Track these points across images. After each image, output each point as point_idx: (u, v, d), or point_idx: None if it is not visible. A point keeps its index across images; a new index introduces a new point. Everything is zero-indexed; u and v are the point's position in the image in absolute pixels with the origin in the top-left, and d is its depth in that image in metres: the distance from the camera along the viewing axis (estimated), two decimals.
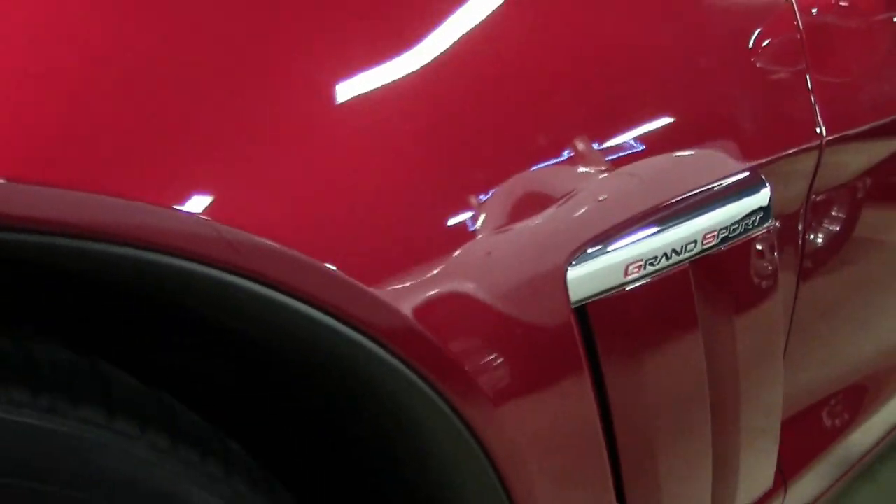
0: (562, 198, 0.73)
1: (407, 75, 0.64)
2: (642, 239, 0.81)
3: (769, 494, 1.17)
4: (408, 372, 0.60)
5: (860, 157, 1.07)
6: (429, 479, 0.71)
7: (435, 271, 0.62)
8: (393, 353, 0.59)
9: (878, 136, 1.06)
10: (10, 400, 0.49)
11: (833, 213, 1.09)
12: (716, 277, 0.90)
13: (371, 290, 0.57)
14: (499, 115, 0.68)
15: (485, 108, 0.68)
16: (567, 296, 0.75)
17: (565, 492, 0.79)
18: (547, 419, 0.74)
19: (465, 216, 0.65)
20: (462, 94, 0.66)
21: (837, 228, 1.09)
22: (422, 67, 0.65)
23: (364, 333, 0.57)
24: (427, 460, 0.69)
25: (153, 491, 0.54)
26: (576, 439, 0.79)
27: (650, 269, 0.82)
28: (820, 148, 0.99)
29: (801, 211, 1.01)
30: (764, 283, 0.96)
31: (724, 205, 0.88)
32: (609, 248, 0.79)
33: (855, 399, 1.32)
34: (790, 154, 0.95)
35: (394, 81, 0.64)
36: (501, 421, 0.68)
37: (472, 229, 0.66)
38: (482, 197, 0.66)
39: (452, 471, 0.68)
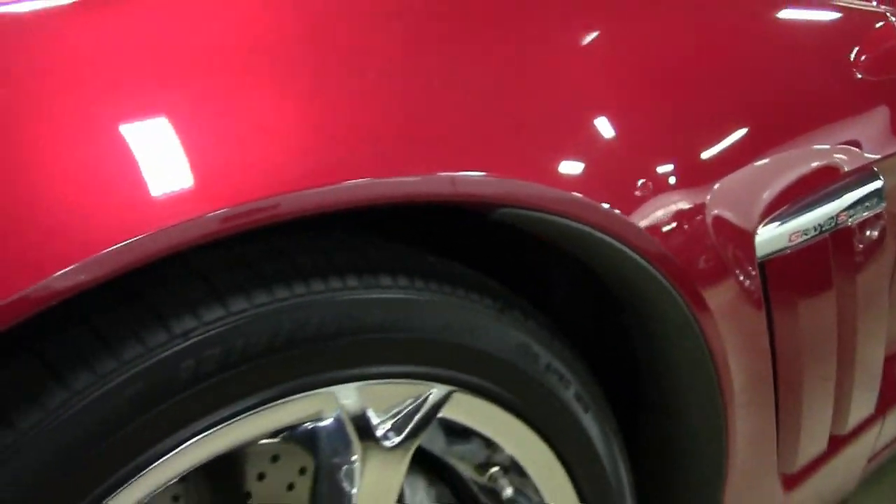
0: (764, 178, 1.08)
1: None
2: (801, 215, 1.16)
3: (871, 420, 1.51)
4: (664, 282, 0.94)
5: None
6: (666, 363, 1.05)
7: (680, 212, 0.96)
8: (654, 267, 0.93)
9: None
10: (378, 284, 0.79)
11: None
12: (844, 245, 1.25)
13: (639, 224, 0.91)
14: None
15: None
16: (755, 253, 1.10)
17: (746, 390, 1.14)
18: (742, 333, 1.08)
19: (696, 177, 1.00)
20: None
21: None
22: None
23: (639, 254, 0.91)
24: (667, 349, 1.04)
25: (466, 325, 0.84)
26: (756, 354, 1.13)
27: (804, 238, 1.17)
28: None
29: None
30: (877, 249, 1.31)
31: (852, 191, 1.23)
32: (780, 222, 1.14)
33: None
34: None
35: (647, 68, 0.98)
36: (716, 327, 1.03)
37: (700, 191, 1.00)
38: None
39: (682, 356, 1.03)
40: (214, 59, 0.70)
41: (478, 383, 0.88)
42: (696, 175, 1.00)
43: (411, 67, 0.77)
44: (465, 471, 0.98)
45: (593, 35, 0.94)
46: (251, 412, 0.74)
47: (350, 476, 0.83)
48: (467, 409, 0.89)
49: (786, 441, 1.31)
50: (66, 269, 0.59)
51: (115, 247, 0.60)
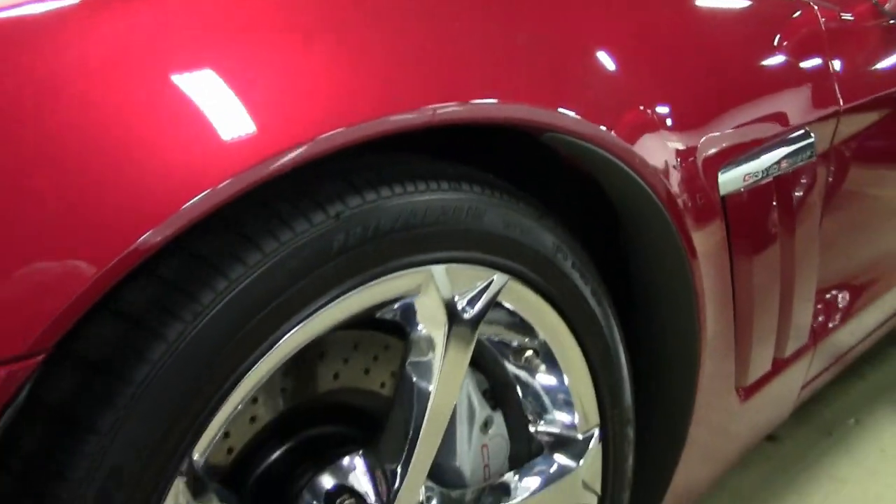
0: (725, 132, 1.37)
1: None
2: (751, 161, 1.45)
3: (805, 349, 1.82)
4: (661, 206, 1.22)
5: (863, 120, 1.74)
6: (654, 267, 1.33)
7: (675, 154, 1.25)
8: (655, 194, 1.21)
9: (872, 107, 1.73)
10: (461, 188, 1.05)
11: (846, 154, 1.75)
12: (785, 188, 1.55)
13: (629, 145, 1.18)
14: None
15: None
16: (718, 190, 1.39)
17: (713, 302, 1.42)
18: (709, 252, 1.37)
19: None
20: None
21: (850, 164, 1.76)
22: None
23: (642, 179, 1.19)
24: (655, 258, 1.31)
25: (519, 225, 1.12)
26: (719, 273, 1.42)
27: (754, 179, 1.46)
28: (837, 115, 1.65)
29: (828, 151, 1.67)
30: (808, 195, 1.61)
31: (790, 145, 1.53)
32: (735, 165, 1.43)
33: (867, 287, 1.98)
34: (821, 117, 1.62)
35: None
36: (692, 243, 1.31)
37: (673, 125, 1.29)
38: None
39: (668, 262, 1.31)
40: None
41: (527, 274, 1.14)
42: (687, 129, 1.29)
43: (487, 24, 1.04)
44: (505, 355, 1.23)
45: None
46: (373, 282, 0.99)
47: (432, 345, 1.08)
48: (517, 297, 1.15)
49: (740, 357, 1.60)
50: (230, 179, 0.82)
51: (279, 154, 0.84)
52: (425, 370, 1.10)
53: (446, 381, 1.08)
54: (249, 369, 0.90)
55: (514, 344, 1.22)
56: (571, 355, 1.24)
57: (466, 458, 1.26)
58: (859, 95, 1.70)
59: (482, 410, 1.26)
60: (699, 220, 1.34)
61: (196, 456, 0.88)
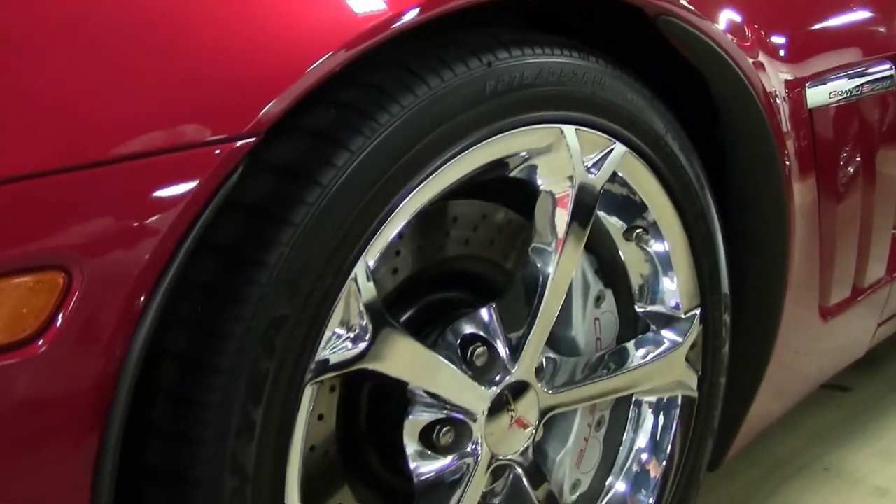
0: (813, 51, 1.50)
1: None
2: (837, 80, 1.58)
3: (882, 281, 1.92)
4: (759, 105, 1.36)
5: None
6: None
7: (761, 48, 1.38)
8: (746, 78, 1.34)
9: None
10: (570, 54, 1.18)
11: None
12: (865, 113, 1.67)
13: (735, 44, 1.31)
14: None
15: None
16: (806, 102, 1.52)
17: (802, 211, 1.53)
18: (799, 157, 1.49)
19: None
20: None
21: None
22: None
23: (736, 64, 1.32)
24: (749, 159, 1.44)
25: (637, 103, 1.25)
26: (806, 185, 1.54)
27: (837, 98, 1.59)
28: None
29: None
30: (889, 123, 1.73)
31: (873, 73, 1.66)
32: (822, 83, 1.56)
33: None
34: None
35: None
36: (784, 141, 1.44)
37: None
38: None
39: (761, 162, 1.43)
40: None
41: (642, 148, 1.27)
42: (783, 40, 1.43)
43: None
44: (616, 235, 1.36)
45: None
46: (513, 131, 1.12)
47: (553, 201, 1.21)
48: (632, 171, 1.28)
49: (823, 275, 1.71)
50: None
51: None
52: (549, 239, 1.23)
53: (570, 249, 1.20)
54: (416, 187, 1.03)
55: (626, 222, 1.35)
56: (677, 236, 1.36)
57: (581, 329, 1.39)
58: None
59: (595, 285, 1.39)
60: (790, 126, 1.47)
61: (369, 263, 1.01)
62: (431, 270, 1.26)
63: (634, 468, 1.46)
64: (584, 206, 1.22)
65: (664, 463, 1.45)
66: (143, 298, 0.87)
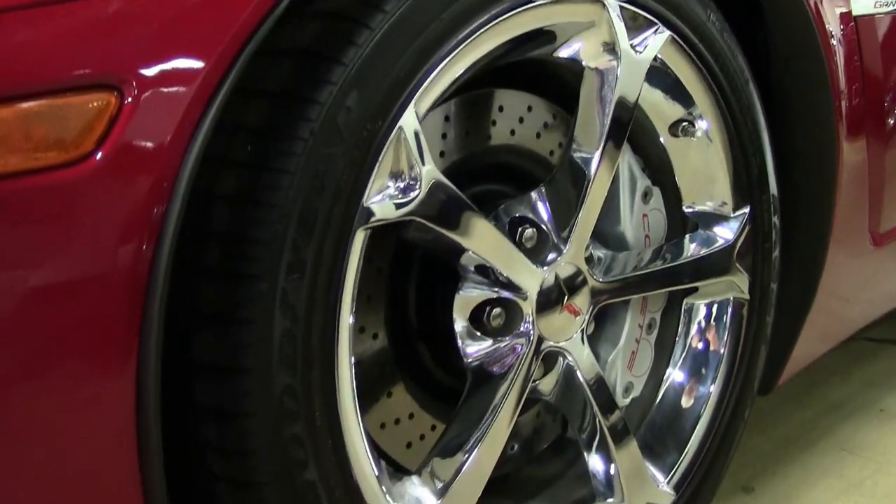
0: None
1: None
2: None
3: None
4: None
5: None
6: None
7: None
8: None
9: None
10: None
11: None
12: None
13: None
14: None
15: None
16: (852, 10, 1.50)
17: (850, 130, 1.50)
18: (847, 69, 1.47)
19: None
20: None
21: None
22: None
23: None
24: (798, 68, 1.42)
25: None
26: (854, 95, 1.51)
27: (882, 8, 1.57)
28: None
29: None
30: None
31: None
32: None
33: None
34: None
35: None
36: (832, 53, 1.41)
37: None
38: None
39: (805, 67, 1.41)
40: None
41: (686, 34, 1.25)
42: None
43: None
44: (662, 129, 1.34)
45: None
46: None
47: (599, 78, 1.20)
48: (675, 57, 1.26)
49: (873, 203, 1.68)
50: None
51: None
52: (595, 118, 1.21)
53: (616, 130, 1.19)
54: (462, 42, 1.03)
55: (671, 116, 1.33)
56: (722, 130, 1.34)
57: (629, 225, 1.37)
58: None
59: (642, 181, 1.37)
60: (837, 31, 1.45)
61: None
62: (478, 160, 1.25)
63: (687, 377, 1.42)
64: (630, 83, 1.20)
65: (716, 370, 1.41)
66: (196, 115, 0.86)
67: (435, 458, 1.13)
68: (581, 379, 1.25)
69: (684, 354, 1.42)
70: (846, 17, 1.49)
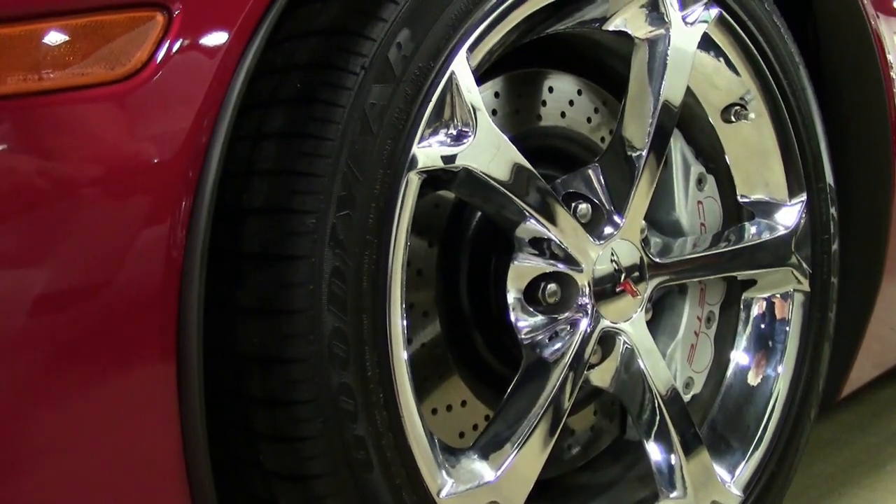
0: None
1: None
2: None
3: None
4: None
5: None
6: None
7: None
8: None
9: None
10: None
11: None
12: None
13: None
14: None
15: None
16: None
17: None
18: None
19: None
20: None
21: None
22: None
23: None
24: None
25: None
26: None
27: None
28: None
29: None
30: None
31: None
32: None
33: None
34: None
35: None
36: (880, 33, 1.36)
37: None
38: None
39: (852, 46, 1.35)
40: None
41: (736, 11, 1.20)
42: None
43: None
44: (714, 115, 1.28)
45: None
46: None
47: (650, 49, 1.14)
48: (726, 35, 1.21)
49: None
50: None
51: None
52: (646, 90, 1.16)
53: (673, 71, 1.13)
54: None
55: (724, 100, 1.27)
56: (775, 114, 1.28)
57: (684, 211, 1.30)
58: None
59: (696, 167, 1.30)
60: (886, 25, 1.40)
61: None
62: (529, 140, 1.19)
63: (750, 373, 1.33)
64: (681, 56, 1.15)
65: (781, 366, 1.32)
66: (241, 47, 0.82)
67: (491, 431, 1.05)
68: (641, 364, 1.16)
69: (746, 349, 1.33)
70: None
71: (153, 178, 0.79)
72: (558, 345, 1.10)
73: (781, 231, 1.29)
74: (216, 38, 0.81)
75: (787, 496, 1.36)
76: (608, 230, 1.13)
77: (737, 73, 1.25)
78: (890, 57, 1.40)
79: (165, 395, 0.81)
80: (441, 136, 0.94)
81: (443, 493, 0.96)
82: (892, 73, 1.41)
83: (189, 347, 0.81)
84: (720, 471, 1.26)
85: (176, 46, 0.79)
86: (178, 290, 0.80)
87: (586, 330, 1.10)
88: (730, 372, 1.34)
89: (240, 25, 0.82)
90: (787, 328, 1.33)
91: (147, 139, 0.79)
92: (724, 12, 1.19)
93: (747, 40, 1.23)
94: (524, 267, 1.08)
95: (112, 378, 0.80)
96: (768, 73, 1.26)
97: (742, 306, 1.34)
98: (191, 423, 0.82)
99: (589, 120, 1.26)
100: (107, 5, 0.78)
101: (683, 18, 1.15)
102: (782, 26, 1.27)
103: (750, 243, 1.27)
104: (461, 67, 0.95)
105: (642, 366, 1.16)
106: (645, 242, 1.17)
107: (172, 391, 0.81)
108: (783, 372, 1.32)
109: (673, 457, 1.19)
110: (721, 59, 1.23)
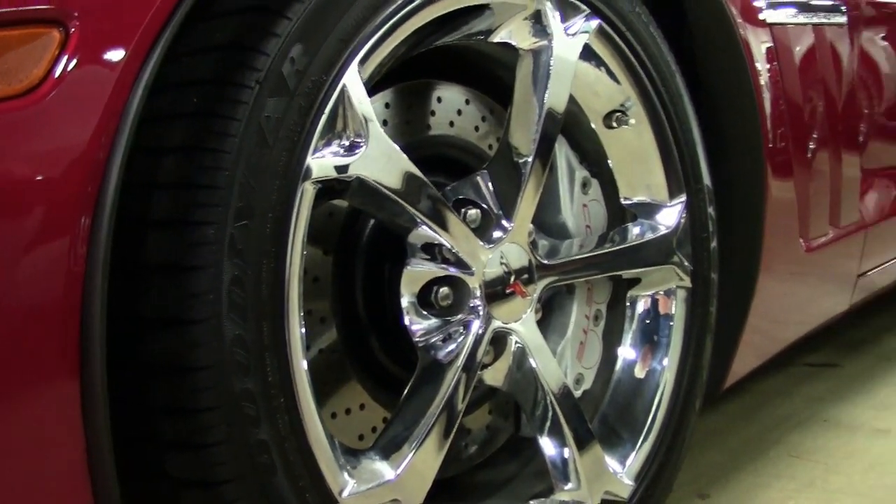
0: None
1: None
2: (790, 7, 1.63)
3: (857, 228, 1.92)
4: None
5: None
6: None
7: None
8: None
9: None
10: None
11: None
12: (820, 40, 1.71)
13: None
14: None
15: None
16: (766, 21, 1.56)
17: (775, 138, 1.55)
18: (764, 72, 1.52)
19: None
20: None
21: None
22: None
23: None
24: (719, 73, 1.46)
25: None
26: (777, 104, 1.56)
27: (793, 21, 1.63)
28: None
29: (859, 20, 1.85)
30: (842, 54, 1.77)
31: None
32: (777, 7, 1.60)
33: None
34: None
35: None
36: (752, 54, 1.47)
37: None
38: None
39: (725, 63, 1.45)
40: None
41: (615, 22, 1.28)
42: None
43: None
44: (596, 122, 1.36)
45: None
46: None
47: (534, 60, 1.21)
48: (605, 46, 1.29)
49: (802, 211, 1.71)
50: None
51: None
52: (531, 99, 1.23)
53: (556, 80, 1.21)
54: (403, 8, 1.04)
55: (605, 107, 1.35)
56: (654, 120, 1.36)
57: (570, 214, 1.38)
58: None
59: (580, 171, 1.38)
60: (753, 35, 1.50)
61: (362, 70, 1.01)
62: (419, 149, 1.25)
63: (637, 368, 1.42)
64: (564, 65, 1.22)
65: (665, 361, 1.41)
66: (139, 62, 0.85)
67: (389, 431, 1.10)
68: (532, 363, 1.23)
69: (633, 345, 1.41)
70: (763, 23, 1.55)
71: (52, 194, 0.81)
72: (452, 346, 1.16)
73: (663, 231, 1.38)
74: (114, 54, 0.84)
75: (679, 484, 1.45)
76: (497, 234, 1.19)
77: (617, 81, 1.32)
78: (758, 65, 1.50)
79: (69, 408, 0.84)
80: (334, 147, 0.99)
81: (345, 493, 1.01)
82: (760, 81, 1.51)
83: (93, 359, 0.84)
84: (612, 462, 1.34)
85: (73, 62, 0.82)
86: (81, 303, 0.83)
87: (478, 331, 1.16)
88: (618, 367, 1.42)
89: (137, 41, 0.85)
90: (671, 323, 1.41)
91: (45, 155, 0.81)
92: (603, 24, 1.27)
93: (626, 50, 1.31)
94: (417, 272, 1.14)
95: (13, 391, 0.82)
96: (647, 81, 1.34)
97: (628, 304, 1.42)
98: (96, 434, 0.85)
99: (477, 128, 1.32)
100: (1, 21, 0.81)
101: (565, 30, 1.23)
102: (659, 37, 1.36)
103: (633, 243, 1.36)
104: (353, 80, 1.00)
105: (534, 364, 1.23)
106: (533, 245, 1.24)
107: (76, 404, 0.84)
108: (668, 365, 1.41)
109: (566, 451, 1.26)
110: (602, 68, 1.31)
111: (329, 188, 1.01)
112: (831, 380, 2.20)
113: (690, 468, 1.69)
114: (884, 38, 2.02)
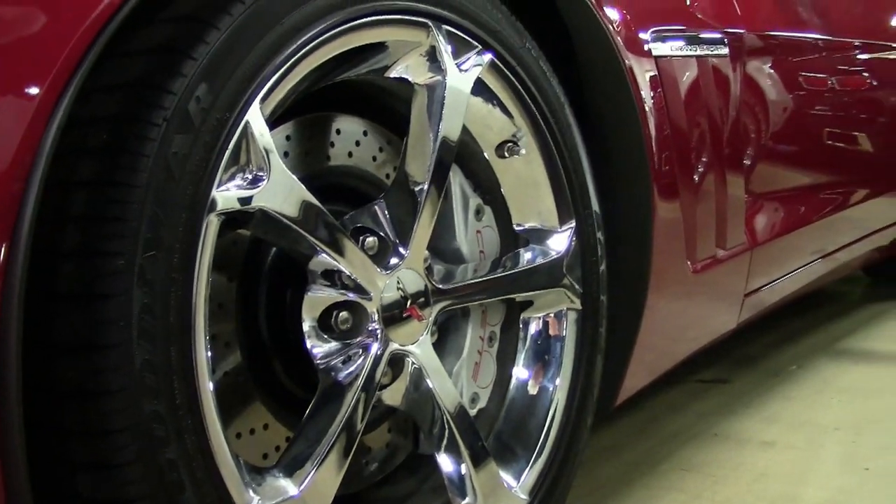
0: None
1: None
2: (676, 40, 1.78)
3: (742, 250, 2.09)
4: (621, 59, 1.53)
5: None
6: None
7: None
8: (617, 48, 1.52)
9: None
10: None
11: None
12: (703, 72, 1.87)
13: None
14: None
15: None
16: (652, 53, 1.71)
17: (662, 168, 1.71)
18: (650, 102, 1.67)
19: None
20: None
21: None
22: None
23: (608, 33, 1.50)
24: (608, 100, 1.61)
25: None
26: (662, 132, 1.72)
27: (678, 53, 1.79)
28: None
29: (742, 52, 2.02)
30: (726, 85, 1.94)
31: (705, 37, 1.87)
32: (663, 40, 1.75)
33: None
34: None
35: None
36: (637, 83, 1.61)
37: None
38: None
39: (611, 90, 1.60)
40: None
41: (505, 57, 1.41)
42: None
43: None
44: (489, 151, 1.49)
45: None
46: (388, 15, 1.25)
47: (429, 95, 1.33)
48: (497, 79, 1.42)
49: (689, 234, 1.87)
50: None
51: None
52: (426, 132, 1.35)
53: (450, 112, 1.33)
54: (301, 49, 1.15)
55: (497, 138, 1.48)
56: (544, 149, 1.49)
57: (464, 240, 1.50)
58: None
59: (474, 199, 1.51)
60: (639, 66, 1.65)
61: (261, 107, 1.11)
62: (319, 179, 1.36)
63: (529, 386, 1.54)
64: (456, 98, 1.34)
65: (557, 380, 1.53)
66: (54, 97, 0.94)
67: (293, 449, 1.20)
68: (429, 383, 1.35)
69: (526, 365, 1.54)
70: (645, 52, 1.70)
71: None
72: (351, 368, 1.27)
73: (554, 255, 1.51)
74: (29, 91, 0.93)
75: (574, 498, 1.58)
76: (394, 260, 1.31)
77: (509, 113, 1.45)
78: (643, 93, 1.65)
79: None
80: (238, 181, 1.09)
81: None
82: (646, 108, 1.66)
83: (7, 386, 0.92)
84: (507, 477, 1.46)
85: None
86: None
87: (377, 353, 1.27)
88: (512, 386, 1.54)
89: (52, 79, 0.94)
90: (562, 344, 1.54)
91: None
92: (495, 59, 1.40)
93: (517, 83, 1.44)
94: (317, 297, 1.24)
95: None
96: (537, 112, 1.47)
97: (521, 325, 1.55)
98: (10, 458, 0.93)
99: (374, 158, 1.44)
100: None
101: (458, 65, 1.35)
102: (548, 70, 1.49)
103: (525, 267, 1.48)
104: (255, 117, 1.10)
105: (430, 384, 1.35)
106: (428, 270, 1.36)
107: None
108: (560, 384, 1.54)
109: (463, 467, 1.38)
110: (494, 101, 1.44)
111: (233, 219, 1.10)
112: (721, 395, 2.37)
113: (586, 482, 1.82)
114: (768, 68, 2.20)
